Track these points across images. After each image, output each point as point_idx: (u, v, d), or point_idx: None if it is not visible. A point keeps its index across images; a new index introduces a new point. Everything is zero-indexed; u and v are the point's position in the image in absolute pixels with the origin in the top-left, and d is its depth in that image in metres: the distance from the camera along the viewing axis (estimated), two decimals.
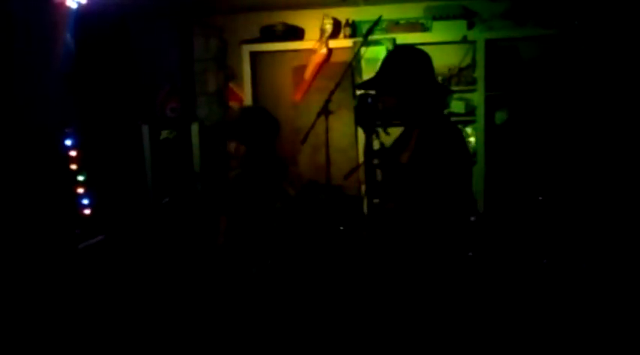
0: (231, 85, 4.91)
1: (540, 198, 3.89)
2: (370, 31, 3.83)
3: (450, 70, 4.37)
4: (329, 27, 4.49)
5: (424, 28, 4.43)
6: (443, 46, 4.32)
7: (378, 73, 2.39)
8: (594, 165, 4.20)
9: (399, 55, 2.46)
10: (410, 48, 2.53)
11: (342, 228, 4.08)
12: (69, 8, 3.46)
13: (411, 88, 2.31)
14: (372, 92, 2.35)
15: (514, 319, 3.43)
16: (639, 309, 3.38)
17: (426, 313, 2.30)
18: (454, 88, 4.32)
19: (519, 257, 3.85)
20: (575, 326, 3.37)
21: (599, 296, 3.61)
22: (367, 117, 2.28)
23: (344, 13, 4.54)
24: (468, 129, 4.40)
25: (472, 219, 3.34)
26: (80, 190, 3.88)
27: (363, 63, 4.33)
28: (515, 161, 4.30)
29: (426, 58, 2.36)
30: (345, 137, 4.55)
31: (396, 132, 2.46)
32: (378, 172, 2.38)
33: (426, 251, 2.28)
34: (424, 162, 2.26)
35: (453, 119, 4.06)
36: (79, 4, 3.50)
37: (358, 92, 2.43)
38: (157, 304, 3.99)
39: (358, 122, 2.37)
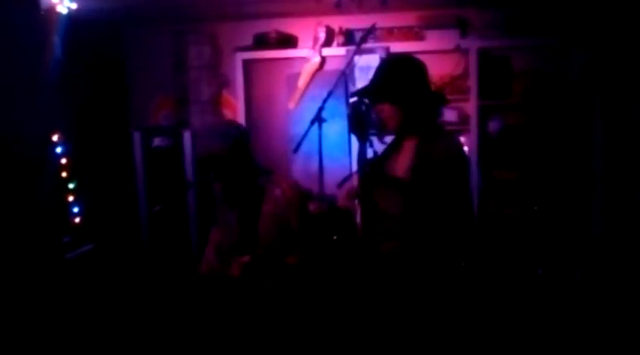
0: (224, 92, 4.89)
1: (535, 207, 3.88)
2: (364, 39, 3.82)
3: (442, 78, 4.37)
4: (322, 35, 4.48)
5: (418, 37, 4.43)
6: (436, 55, 4.32)
7: (373, 81, 2.35)
8: (589, 174, 4.20)
9: (394, 62, 2.43)
10: (404, 56, 2.51)
11: (335, 237, 4.05)
12: (59, 14, 3.43)
13: (408, 96, 2.28)
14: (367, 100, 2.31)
15: (509, 328, 3.41)
16: (635, 317, 3.37)
17: (423, 323, 2.28)
18: (447, 97, 4.32)
19: (514, 267, 3.84)
20: (571, 335, 3.35)
21: (595, 305, 3.60)
22: (360, 125, 2.26)
23: (337, 21, 4.54)
24: (462, 138, 4.39)
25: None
26: (70, 198, 3.84)
27: (356, 71, 4.32)
28: (509, 170, 4.28)
29: (421, 67, 2.34)
30: (339, 145, 4.54)
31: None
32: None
33: (425, 263, 2.24)
34: (430, 177, 2.18)
35: (446, 128, 4.05)
36: (69, 9, 3.48)
37: (352, 100, 2.38)
38: (146, 312, 3.96)
39: (351, 130, 2.33)
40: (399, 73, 2.31)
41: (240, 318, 2.66)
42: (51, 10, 3.36)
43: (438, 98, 2.43)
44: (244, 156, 2.64)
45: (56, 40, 3.37)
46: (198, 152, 2.66)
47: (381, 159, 2.40)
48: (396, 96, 2.27)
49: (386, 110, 2.29)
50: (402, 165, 2.28)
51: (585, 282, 3.77)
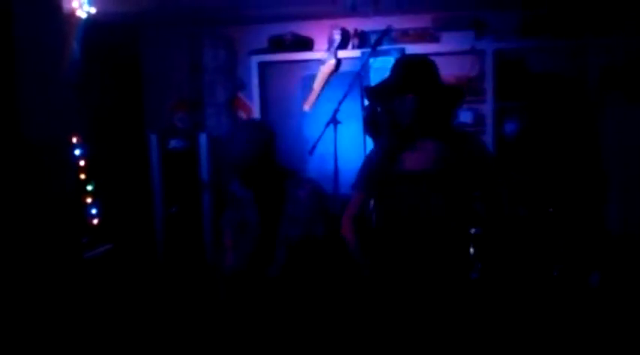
0: (240, 95, 4.92)
1: (551, 209, 3.85)
2: (379, 41, 3.82)
3: (458, 79, 4.36)
4: (338, 37, 4.49)
5: (433, 38, 4.43)
6: (451, 56, 4.32)
7: (391, 76, 2.32)
8: (605, 176, 4.16)
9: (410, 59, 2.42)
10: (417, 55, 2.51)
11: None
12: (79, 18, 3.48)
13: (428, 86, 2.26)
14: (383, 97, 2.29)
15: (524, 330, 3.39)
16: None
17: (437, 325, 2.28)
18: None
19: (529, 268, 3.81)
20: (586, 337, 3.33)
21: (610, 307, 3.57)
22: (375, 126, 2.26)
23: (353, 24, 4.55)
24: None
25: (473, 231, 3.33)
26: (89, 200, 3.89)
27: (372, 73, 4.33)
28: (525, 172, 4.26)
29: (435, 65, 2.33)
30: (354, 147, 4.53)
31: None
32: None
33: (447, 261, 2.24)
34: (473, 166, 2.22)
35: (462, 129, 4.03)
36: (88, 13, 3.53)
37: (367, 102, 2.37)
38: (163, 313, 3.98)
39: (367, 131, 2.34)
40: (417, 67, 2.31)
41: (270, 316, 2.68)
42: (71, 14, 3.41)
43: (455, 91, 2.39)
44: (272, 160, 2.68)
45: (75, 43, 3.42)
46: (227, 157, 2.68)
47: (389, 158, 2.36)
48: (416, 87, 2.25)
49: (407, 102, 2.25)
50: (423, 160, 2.24)
51: (603, 285, 3.74)
